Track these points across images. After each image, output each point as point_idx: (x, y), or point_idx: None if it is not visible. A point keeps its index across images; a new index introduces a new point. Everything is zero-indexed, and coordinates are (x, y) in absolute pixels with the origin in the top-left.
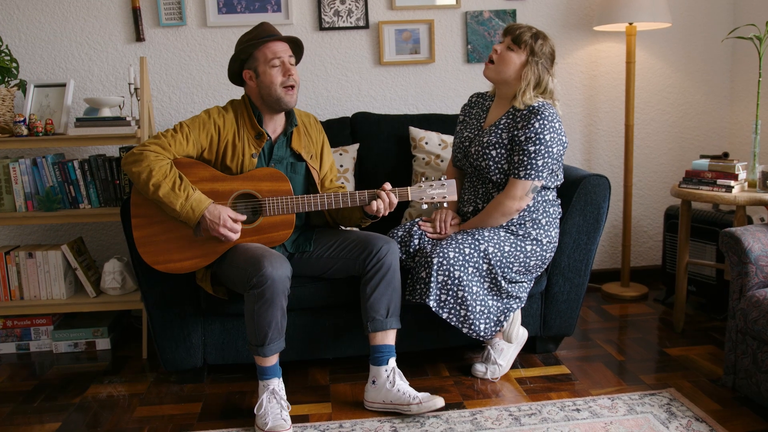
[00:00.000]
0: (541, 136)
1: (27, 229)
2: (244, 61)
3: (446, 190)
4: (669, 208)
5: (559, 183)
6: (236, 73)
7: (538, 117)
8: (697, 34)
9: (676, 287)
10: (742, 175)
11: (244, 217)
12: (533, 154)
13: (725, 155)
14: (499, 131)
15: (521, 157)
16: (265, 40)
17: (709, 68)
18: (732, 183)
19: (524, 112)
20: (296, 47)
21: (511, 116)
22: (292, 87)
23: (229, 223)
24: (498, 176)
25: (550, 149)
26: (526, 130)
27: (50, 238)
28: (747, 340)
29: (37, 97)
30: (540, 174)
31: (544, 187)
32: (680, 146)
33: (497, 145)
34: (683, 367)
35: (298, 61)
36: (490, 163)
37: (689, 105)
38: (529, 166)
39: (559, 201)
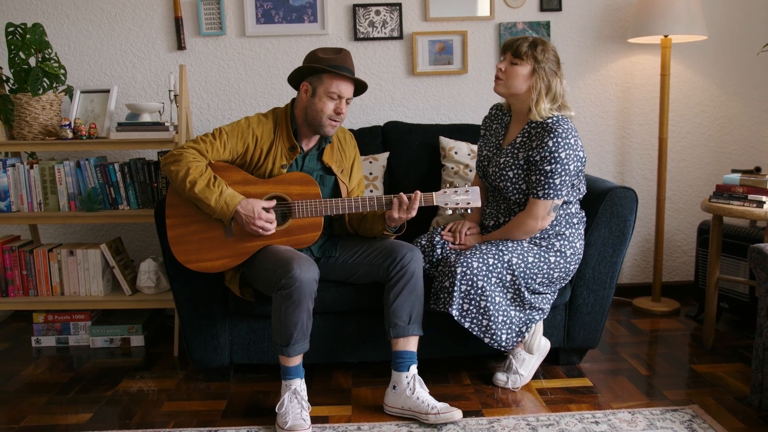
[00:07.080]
0: (556, 155)
1: (70, 228)
2: (309, 74)
3: (470, 197)
4: (703, 223)
5: (581, 196)
6: (297, 80)
7: (552, 135)
8: (734, 47)
9: (706, 303)
10: None
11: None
12: (550, 174)
13: (757, 170)
14: (516, 151)
15: (538, 177)
16: (340, 75)
17: (747, 82)
18: (763, 198)
19: (538, 129)
20: (359, 89)
21: (526, 134)
22: (337, 122)
23: (264, 215)
24: (517, 196)
25: (567, 167)
26: (541, 150)
27: (91, 237)
28: None
29: (82, 102)
30: (559, 192)
31: (565, 202)
32: (717, 160)
33: (514, 166)
34: (710, 384)
35: (356, 96)
36: (508, 184)
37: (727, 119)
38: (546, 186)
39: (583, 212)
